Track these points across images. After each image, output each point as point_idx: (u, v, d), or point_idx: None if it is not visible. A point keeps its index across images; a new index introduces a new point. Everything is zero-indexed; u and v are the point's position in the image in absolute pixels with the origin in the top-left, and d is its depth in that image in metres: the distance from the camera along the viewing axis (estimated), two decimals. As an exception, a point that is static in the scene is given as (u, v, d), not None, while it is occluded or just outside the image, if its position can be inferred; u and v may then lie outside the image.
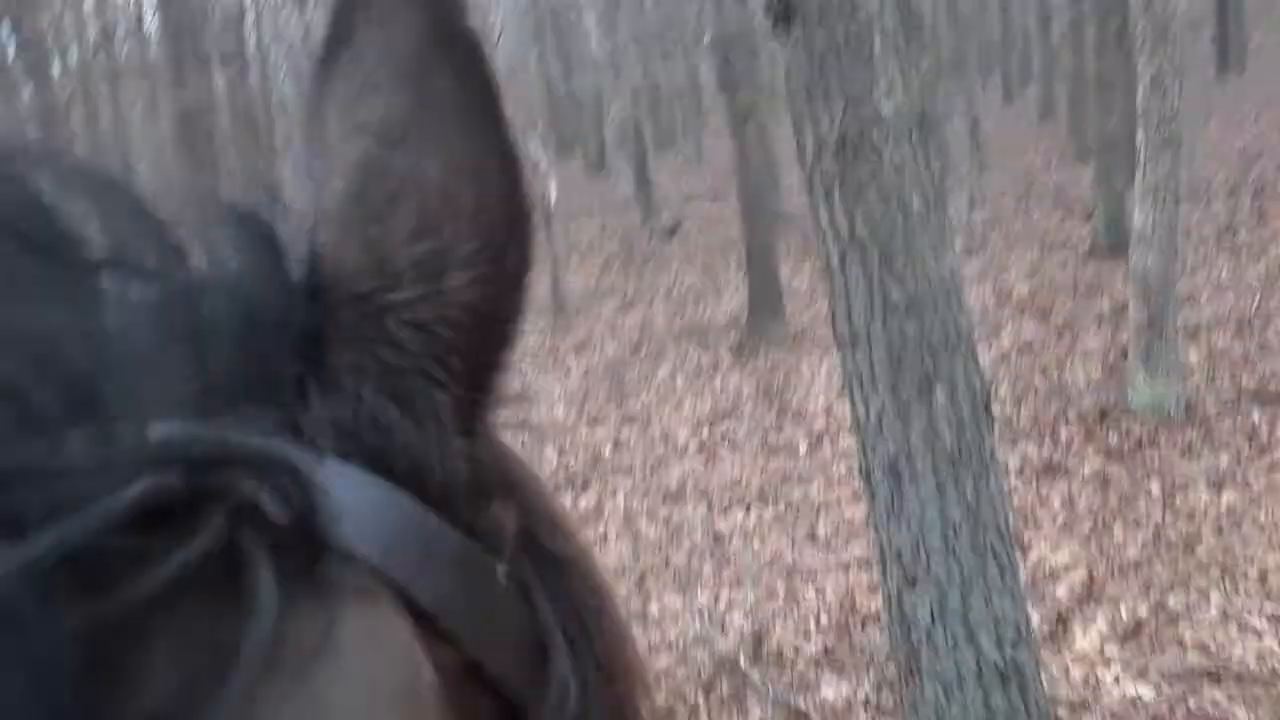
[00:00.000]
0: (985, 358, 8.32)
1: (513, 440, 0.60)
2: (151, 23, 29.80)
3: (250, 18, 31.93)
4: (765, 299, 10.31)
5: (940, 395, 3.11)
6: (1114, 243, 11.18)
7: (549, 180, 23.97)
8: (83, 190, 0.47)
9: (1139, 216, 6.78)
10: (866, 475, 3.33)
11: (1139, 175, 6.74)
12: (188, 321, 0.44)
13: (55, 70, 22.26)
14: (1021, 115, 27.92)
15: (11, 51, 19.87)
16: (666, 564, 7.63)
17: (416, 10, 0.53)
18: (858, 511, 7.01)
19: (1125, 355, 8.29)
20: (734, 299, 12.62)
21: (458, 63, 0.53)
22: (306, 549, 0.40)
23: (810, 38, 2.94)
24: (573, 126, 43.04)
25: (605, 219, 21.19)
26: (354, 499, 0.44)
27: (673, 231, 17.70)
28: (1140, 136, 6.66)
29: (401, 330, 0.50)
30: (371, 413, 0.48)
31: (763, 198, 10.29)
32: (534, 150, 28.10)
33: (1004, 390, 8.70)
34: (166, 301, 0.45)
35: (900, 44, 3.01)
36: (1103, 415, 8.13)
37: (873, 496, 3.32)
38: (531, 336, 12.54)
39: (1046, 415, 8.35)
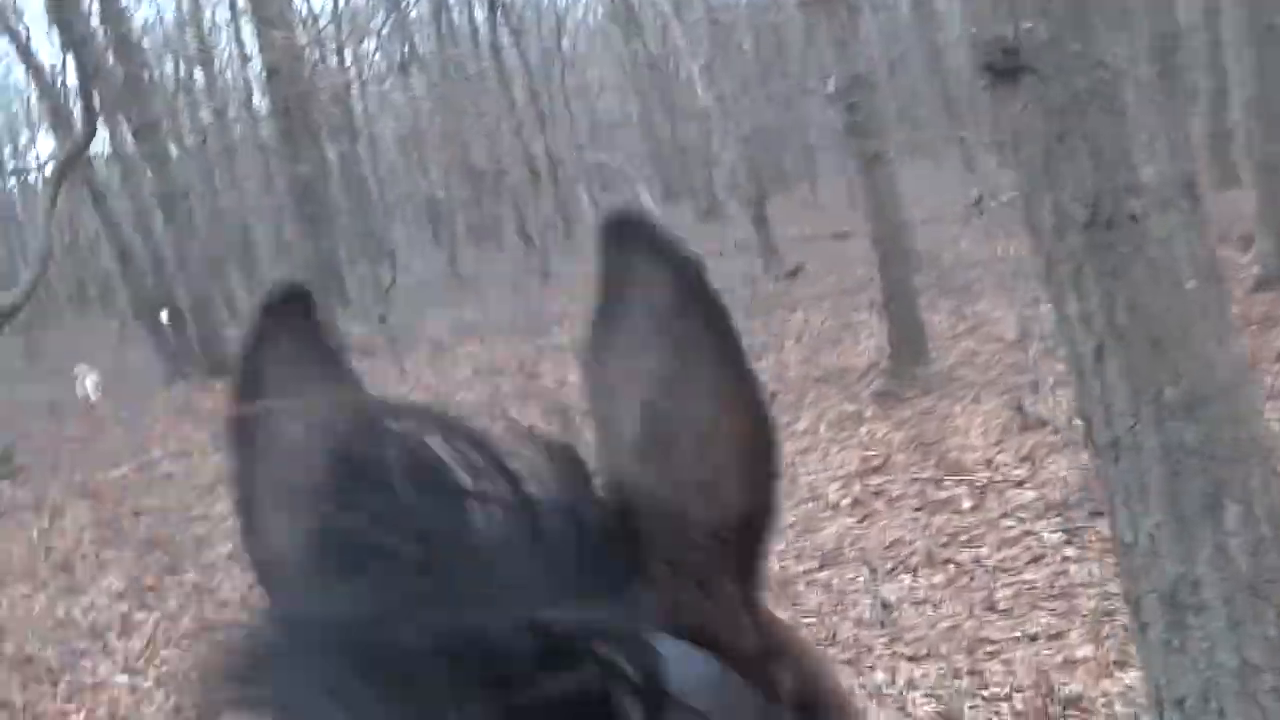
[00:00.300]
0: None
1: None
2: (262, 100, 30.20)
3: (356, 90, 32.11)
4: (908, 342, 9.72)
5: (1231, 512, 2.57)
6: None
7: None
8: (446, 435, 0.59)
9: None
10: (1134, 604, 2.79)
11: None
12: (542, 536, 0.57)
13: (173, 151, 22.46)
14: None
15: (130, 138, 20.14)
16: (833, 637, 7.08)
17: (669, 273, 0.64)
18: (1039, 575, 6.45)
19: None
20: (870, 342, 12.03)
21: (706, 314, 0.64)
22: (654, 698, 0.54)
23: (1046, 94, 2.48)
24: (680, 175, 42.87)
25: (721, 264, 20.72)
26: (680, 663, 0.57)
27: (795, 274, 17.19)
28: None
29: (694, 536, 0.62)
30: (682, 599, 0.60)
31: (897, 237, 9.69)
32: (645, 199, 28.01)
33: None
34: (523, 521, 0.57)
35: (1158, 96, 2.53)
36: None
37: (1142, 629, 2.77)
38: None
39: None
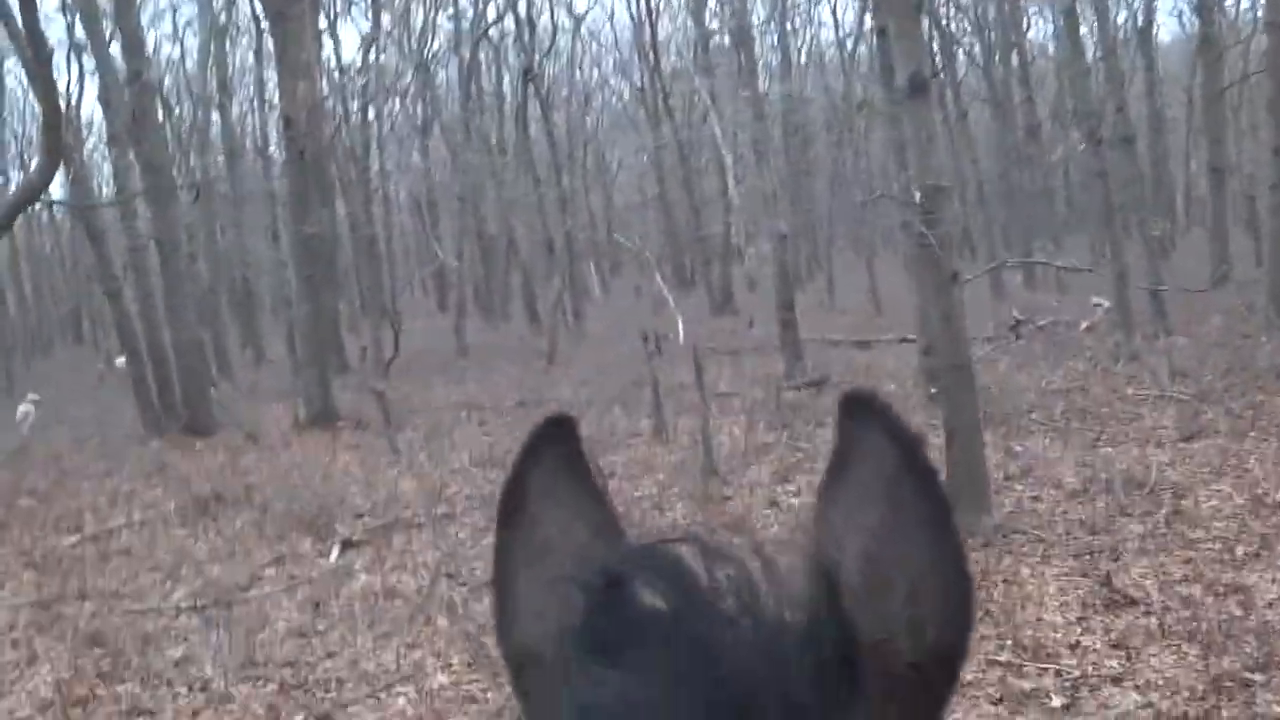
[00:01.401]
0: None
1: None
2: (277, 149, 29.35)
3: (374, 148, 31.26)
4: (969, 486, 8.53)
5: None
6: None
7: (676, 318, 22.64)
8: (706, 556, 0.68)
9: None
10: None
11: None
12: (783, 657, 0.63)
13: (182, 194, 21.47)
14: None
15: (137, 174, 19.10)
16: None
17: (896, 446, 0.74)
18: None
19: None
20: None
21: (923, 482, 0.74)
22: None
23: None
24: (698, 264, 42.07)
25: (739, 364, 19.64)
26: None
27: (819, 385, 16.05)
28: None
29: (900, 667, 0.69)
30: (889, 718, 0.67)
31: (964, 367, 8.56)
32: (659, 285, 27.09)
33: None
34: (769, 643, 0.64)
35: None
36: None
37: None
38: (681, 507, 10.93)
39: None
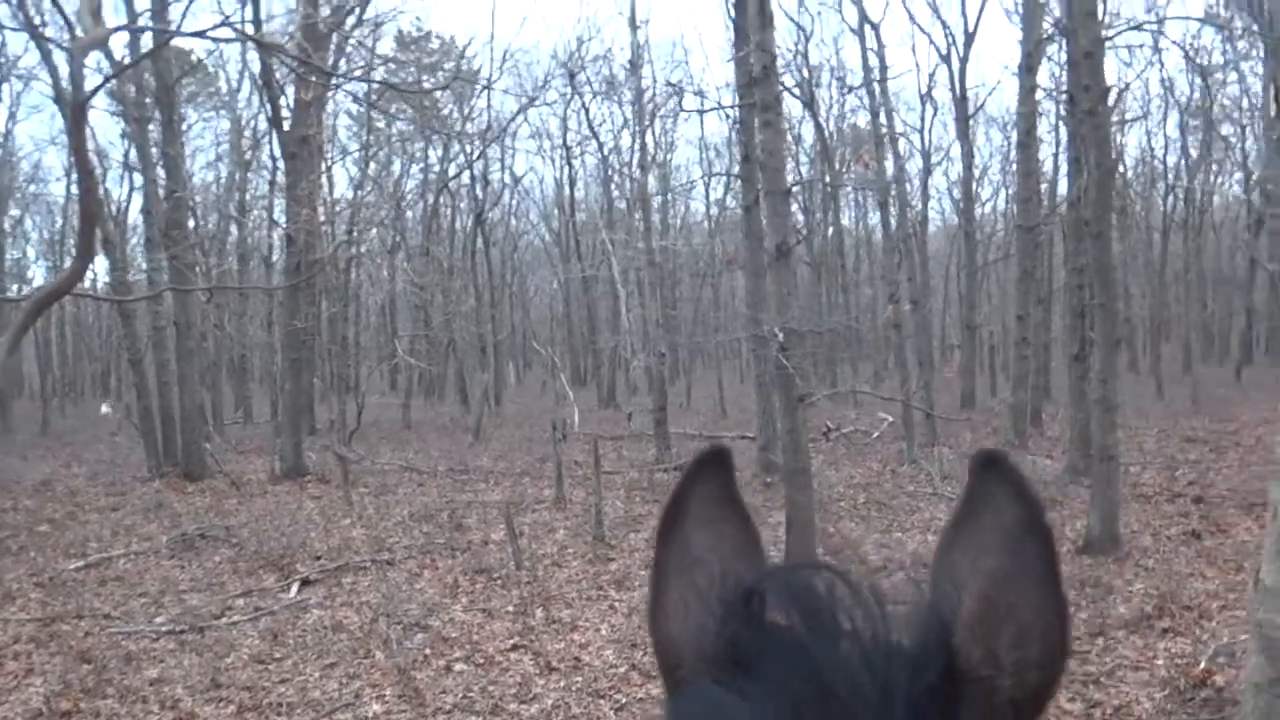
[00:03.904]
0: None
1: None
2: (279, 257, 28.45)
3: (354, 264, 30.48)
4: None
5: None
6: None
7: (573, 410, 22.12)
8: (835, 581, 0.61)
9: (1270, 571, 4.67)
10: None
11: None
12: (894, 682, 0.56)
13: (199, 281, 20.40)
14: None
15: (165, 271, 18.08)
16: None
17: (1017, 506, 0.65)
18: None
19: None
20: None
21: (1041, 543, 0.65)
22: None
23: None
24: (590, 367, 41.74)
25: (620, 449, 19.14)
26: None
27: (680, 469, 15.56)
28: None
29: (1000, 703, 0.60)
30: None
31: (807, 475, 8.14)
32: (562, 381, 26.61)
33: None
34: (883, 667, 0.56)
35: None
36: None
37: None
38: (576, 563, 10.31)
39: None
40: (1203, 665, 6.24)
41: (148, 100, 17.80)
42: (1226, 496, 11.48)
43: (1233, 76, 31.24)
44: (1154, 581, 8.13)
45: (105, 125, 62.80)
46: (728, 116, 25.43)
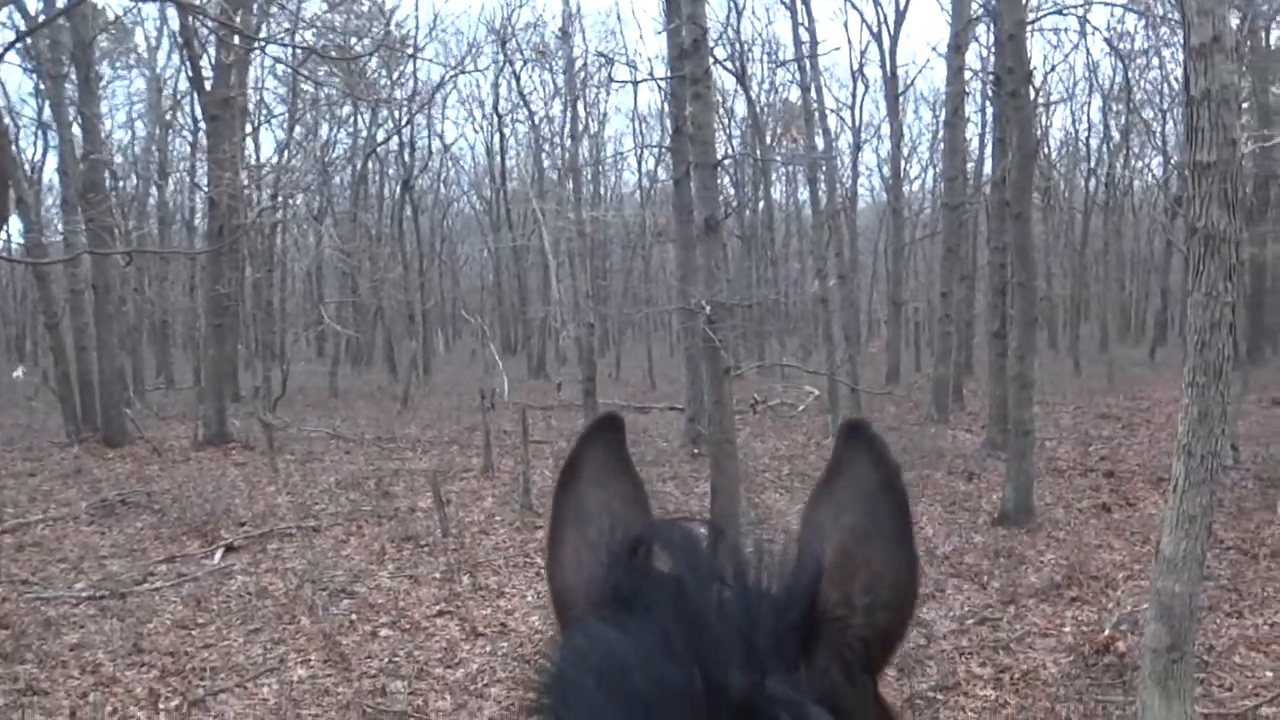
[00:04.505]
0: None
1: None
2: (202, 220, 27.86)
3: (279, 229, 29.90)
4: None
5: None
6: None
7: (503, 379, 22.05)
8: (712, 534, 0.67)
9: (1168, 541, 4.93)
10: None
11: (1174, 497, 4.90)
12: (757, 621, 0.60)
13: (118, 244, 19.81)
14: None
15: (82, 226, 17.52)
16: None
17: (876, 469, 0.73)
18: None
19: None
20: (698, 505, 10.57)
21: (894, 502, 0.72)
22: None
23: None
24: (519, 336, 41.55)
25: (549, 419, 19.15)
26: None
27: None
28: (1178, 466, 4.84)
29: (851, 640, 0.66)
30: (832, 682, 0.63)
31: (731, 442, 8.27)
32: (491, 351, 26.49)
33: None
34: (748, 606, 0.61)
35: None
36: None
37: None
38: (503, 531, 10.36)
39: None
40: (1107, 632, 6.55)
41: (63, 58, 17.22)
42: (1137, 471, 11.95)
43: (1155, 62, 32.09)
44: (1064, 552, 8.47)
45: (16, 80, 60.50)
46: (660, 88, 25.43)
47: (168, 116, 31.14)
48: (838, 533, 0.72)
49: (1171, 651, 4.60)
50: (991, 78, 16.69)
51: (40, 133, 31.38)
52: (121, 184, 30.67)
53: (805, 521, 0.75)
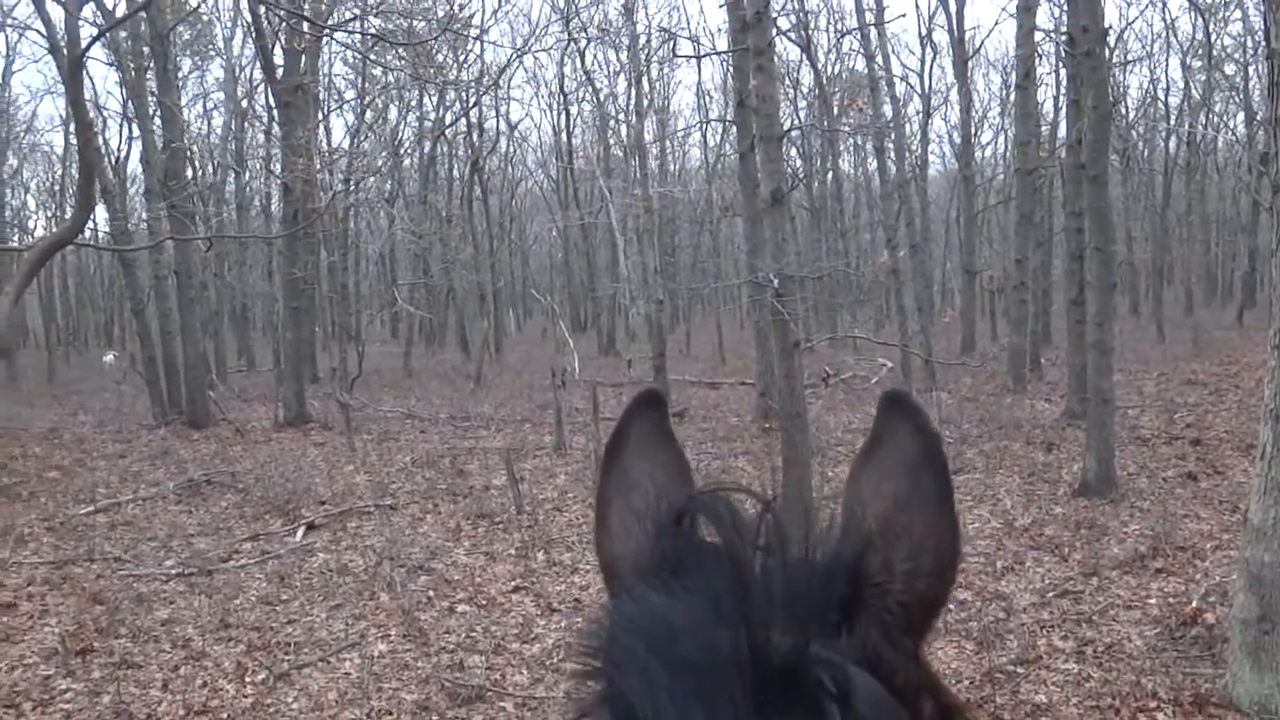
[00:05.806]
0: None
1: None
2: (278, 206, 28.36)
3: (352, 213, 30.32)
4: (798, 501, 8.12)
5: None
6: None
7: (573, 357, 22.16)
8: (759, 506, 0.65)
9: (1257, 509, 4.76)
10: None
11: (1263, 466, 4.74)
12: (801, 587, 0.62)
13: (199, 230, 20.29)
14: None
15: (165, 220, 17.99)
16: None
17: (917, 439, 0.74)
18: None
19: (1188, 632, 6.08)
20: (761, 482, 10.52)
21: (937, 468, 0.73)
22: (846, 709, 0.57)
23: None
24: (590, 315, 41.67)
25: (621, 395, 19.17)
26: (862, 686, 0.59)
27: (680, 415, 15.69)
28: (1264, 432, 4.66)
29: (892, 605, 0.67)
30: (874, 645, 0.64)
31: (803, 417, 8.17)
32: (562, 329, 26.62)
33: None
34: (792, 573, 0.62)
35: None
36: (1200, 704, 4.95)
37: None
38: (576, 507, 10.42)
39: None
40: (1194, 604, 6.35)
41: (144, 50, 17.63)
42: (1224, 439, 11.57)
43: (1235, 14, 30.86)
44: (1149, 523, 8.24)
45: (102, 74, 62.19)
46: (724, 61, 25.16)
47: (243, 105, 31.74)
48: (879, 501, 0.73)
49: (1262, 623, 4.46)
50: (1064, 37, 16.20)
51: (124, 124, 32.20)
52: (201, 172, 31.43)
53: (848, 490, 0.76)
